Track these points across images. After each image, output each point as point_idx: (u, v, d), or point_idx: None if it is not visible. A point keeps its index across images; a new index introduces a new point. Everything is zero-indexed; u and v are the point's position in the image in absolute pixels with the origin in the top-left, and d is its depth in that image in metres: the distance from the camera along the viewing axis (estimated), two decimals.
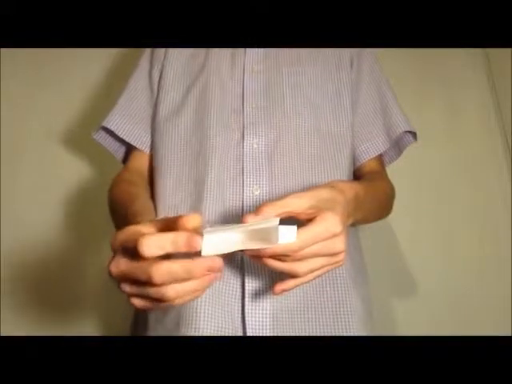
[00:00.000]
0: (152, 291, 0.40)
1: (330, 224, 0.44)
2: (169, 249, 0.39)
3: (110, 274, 0.42)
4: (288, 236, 0.42)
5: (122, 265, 0.41)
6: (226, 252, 0.40)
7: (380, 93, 0.79)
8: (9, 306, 0.95)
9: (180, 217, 0.41)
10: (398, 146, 0.81)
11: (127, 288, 0.42)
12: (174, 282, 0.40)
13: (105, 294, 0.97)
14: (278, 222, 0.41)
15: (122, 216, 0.61)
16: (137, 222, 0.44)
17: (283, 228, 0.41)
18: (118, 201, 0.67)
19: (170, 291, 0.40)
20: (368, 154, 0.76)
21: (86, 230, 1.01)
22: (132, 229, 0.42)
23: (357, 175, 0.76)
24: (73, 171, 1.06)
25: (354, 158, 0.75)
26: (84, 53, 1.10)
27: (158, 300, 0.41)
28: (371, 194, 0.61)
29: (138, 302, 0.43)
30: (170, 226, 0.41)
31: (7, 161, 1.05)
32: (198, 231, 0.41)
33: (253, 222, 0.43)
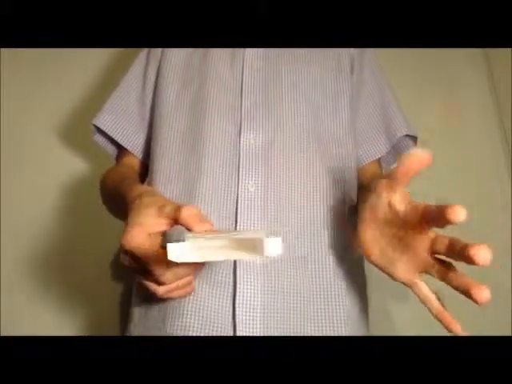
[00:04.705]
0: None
1: None
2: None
3: (122, 245, 0.46)
4: (274, 248, 0.39)
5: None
6: (207, 260, 0.40)
7: (382, 95, 0.79)
8: (8, 303, 0.95)
9: (180, 211, 0.45)
10: (396, 150, 0.80)
11: (127, 262, 0.47)
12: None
13: (99, 285, 0.98)
14: (264, 234, 0.39)
15: (116, 194, 0.64)
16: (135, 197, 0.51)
17: (270, 240, 0.39)
18: (111, 182, 0.71)
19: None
20: (368, 156, 0.76)
21: (83, 226, 1.02)
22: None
23: (359, 178, 0.74)
24: (72, 169, 1.06)
25: (355, 158, 0.74)
26: (84, 53, 1.10)
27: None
28: None
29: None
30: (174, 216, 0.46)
31: (7, 160, 1.05)
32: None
33: (237, 232, 0.41)
